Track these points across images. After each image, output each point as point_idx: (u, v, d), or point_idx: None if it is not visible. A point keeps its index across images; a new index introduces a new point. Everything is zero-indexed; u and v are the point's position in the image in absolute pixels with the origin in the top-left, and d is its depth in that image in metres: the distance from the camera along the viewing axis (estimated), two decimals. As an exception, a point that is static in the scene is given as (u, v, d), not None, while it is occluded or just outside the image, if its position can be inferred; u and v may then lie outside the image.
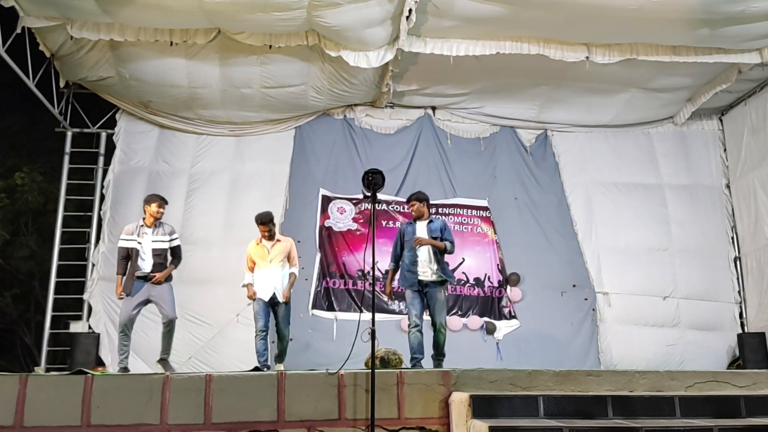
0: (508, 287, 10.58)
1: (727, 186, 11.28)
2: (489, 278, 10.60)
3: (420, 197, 7.04)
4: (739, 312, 10.78)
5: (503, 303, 10.49)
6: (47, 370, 9.74)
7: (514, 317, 10.44)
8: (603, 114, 11.01)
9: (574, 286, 10.59)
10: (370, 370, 4.52)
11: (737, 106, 11.15)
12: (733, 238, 11.09)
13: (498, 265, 10.68)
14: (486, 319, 10.36)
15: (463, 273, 10.57)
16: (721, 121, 11.59)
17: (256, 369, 6.40)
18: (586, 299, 10.55)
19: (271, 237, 7.19)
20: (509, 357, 9.94)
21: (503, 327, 10.35)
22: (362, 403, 4.53)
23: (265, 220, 7.15)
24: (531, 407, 4.33)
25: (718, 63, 9.30)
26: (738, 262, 10.98)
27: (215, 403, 4.44)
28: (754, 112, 10.72)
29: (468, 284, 10.54)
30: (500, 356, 10.05)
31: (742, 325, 10.69)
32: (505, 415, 4.28)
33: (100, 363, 9.40)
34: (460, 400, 4.42)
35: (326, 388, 4.59)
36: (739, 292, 10.85)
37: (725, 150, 11.45)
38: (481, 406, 4.29)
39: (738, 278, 10.92)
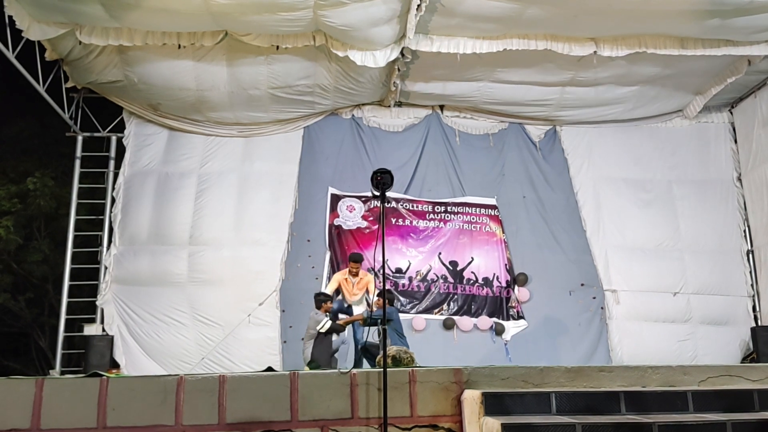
0: (516, 287, 10.56)
1: (739, 179, 11.20)
2: (497, 278, 10.59)
3: None
4: (752, 305, 10.71)
5: (511, 303, 10.48)
6: (62, 373, 9.84)
7: (522, 317, 10.42)
8: (612, 109, 10.95)
9: (582, 285, 10.56)
10: (382, 369, 4.53)
11: (747, 99, 11.07)
12: (745, 231, 11.02)
13: (506, 265, 10.66)
14: (495, 319, 10.35)
15: (472, 273, 10.58)
16: (731, 113, 11.52)
17: (268, 369, 6.43)
18: (594, 298, 10.52)
19: (356, 274, 8.63)
20: (518, 357, 9.92)
21: (511, 327, 10.33)
22: (375, 401, 4.54)
23: (359, 259, 8.76)
24: (543, 404, 4.32)
25: (727, 55, 9.24)
26: (751, 256, 10.91)
27: (229, 404, 4.46)
28: (765, 104, 10.65)
29: (477, 284, 10.54)
30: (509, 358, 10.01)
31: (756, 319, 10.61)
32: (517, 412, 4.27)
33: (114, 365, 9.48)
34: (472, 397, 4.42)
35: (339, 388, 4.59)
36: (752, 285, 10.78)
37: (736, 142, 11.37)
38: (493, 404, 4.28)
39: (751, 271, 10.84)
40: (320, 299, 8.24)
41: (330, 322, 7.90)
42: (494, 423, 3.97)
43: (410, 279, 10.43)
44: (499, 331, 10.28)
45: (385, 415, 4.38)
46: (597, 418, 4.12)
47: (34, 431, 4.27)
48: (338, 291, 8.82)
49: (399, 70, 9.72)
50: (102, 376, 4.72)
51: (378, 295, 7.99)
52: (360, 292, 8.65)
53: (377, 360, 6.99)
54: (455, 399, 4.60)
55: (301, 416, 4.49)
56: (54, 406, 4.33)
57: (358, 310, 8.56)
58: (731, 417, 4.06)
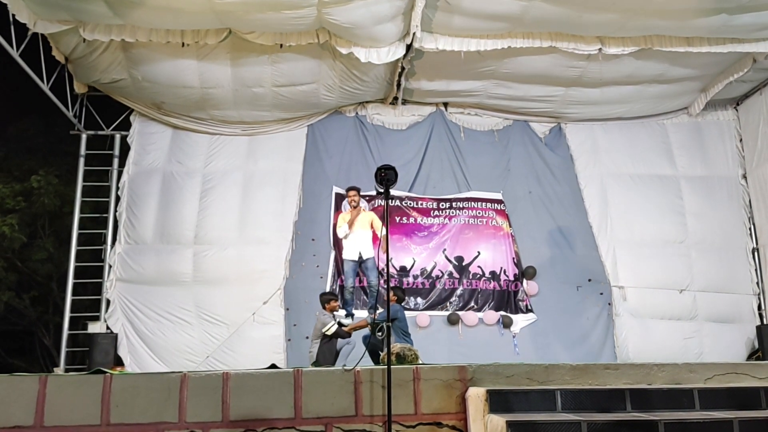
0: (525, 281, 10.53)
1: (744, 176, 11.17)
2: (505, 272, 10.56)
3: None
4: (757, 304, 10.68)
5: (519, 296, 10.45)
6: (66, 370, 9.85)
7: (531, 311, 10.40)
8: (617, 106, 10.92)
9: (589, 280, 10.53)
10: (386, 367, 4.51)
11: (752, 96, 11.04)
12: (750, 229, 10.98)
13: (514, 258, 10.64)
14: (502, 313, 10.33)
15: (479, 267, 10.56)
16: (736, 111, 11.48)
17: (272, 367, 6.42)
18: (601, 294, 10.49)
19: (356, 206, 8.69)
20: (525, 351, 9.94)
21: (520, 321, 10.32)
22: (379, 399, 4.52)
23: (357, 188, 8.82)
24: (548, 401, 4.30)
25: (732, 52, 9.21)
26: (756, 254, 10.87)
27: (233, 401, 4.45)
28: (770, 101, 10.60)
29: (484, 278, 10.51)
30: (517, 350, 10.02)
31: (761, 317, 10.59)
32: (522, 409, 4.25)
33: (118, 362, 9.50)
34: (476, 395, 4.40)
35: (343, 385, 4.58)
36: (757, 283, 10.76)
37: (741, 140, 11.34)
38: (498, 401, 4.26)
39: (756, 269, 10.81)
40: (325, 298, 8.19)
41: (336, 326, 7.88)
42: (499, 420, 3.95)
43: (414, 277, 10.41)
44: (507, 323, 10.26)
45: (389, 413, 4.37)
46: (602, 415, 4.10)
47: (37, 428, 4.26)
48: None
49: (403, 68, 9.70)
50: (106, 373, 4.71)
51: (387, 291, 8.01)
52: (363, 228, 8.68)
53: (381, 357, 6.98)
54: (459, 396, 4.58)
55: (304, 414, 4.47)
56: (57, 403, 4.32)
57: (358, 245, 8.67)
58: (738, 415, 4.03)
